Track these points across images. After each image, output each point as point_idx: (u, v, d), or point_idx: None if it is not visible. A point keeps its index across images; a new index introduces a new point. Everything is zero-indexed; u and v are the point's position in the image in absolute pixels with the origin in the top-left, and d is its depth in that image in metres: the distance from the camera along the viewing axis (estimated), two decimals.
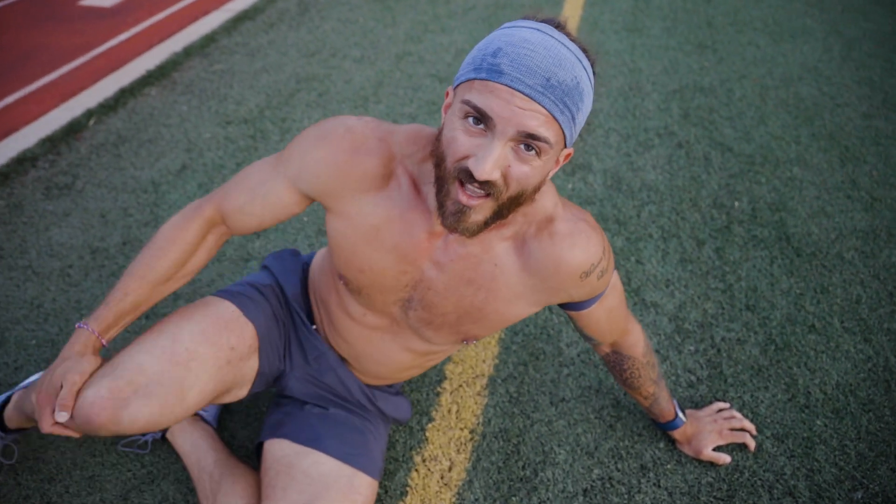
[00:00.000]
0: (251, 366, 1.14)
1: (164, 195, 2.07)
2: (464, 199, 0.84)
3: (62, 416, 0.95)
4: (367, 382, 1.24)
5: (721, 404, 1.42)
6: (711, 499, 1.27)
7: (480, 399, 1.44)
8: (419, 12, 3.47)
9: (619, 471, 1.32)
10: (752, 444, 1.35)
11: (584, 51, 0.83)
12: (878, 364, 1.55)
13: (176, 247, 1.08)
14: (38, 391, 1.00)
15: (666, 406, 1.29)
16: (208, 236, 1.12)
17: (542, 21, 0.83)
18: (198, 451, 1.27)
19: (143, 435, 1.34)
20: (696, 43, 3.15)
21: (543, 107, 0.78)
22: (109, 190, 2.10)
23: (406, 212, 0.95)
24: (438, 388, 1.46)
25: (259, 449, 1.23)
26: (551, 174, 0.89)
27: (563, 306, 1.07)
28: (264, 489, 1.12)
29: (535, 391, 1.47)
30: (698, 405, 1.44)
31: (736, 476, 1.31)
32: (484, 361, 1.53)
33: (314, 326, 1.21)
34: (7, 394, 1.29)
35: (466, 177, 0.82)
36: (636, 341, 1.20)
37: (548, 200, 0.96)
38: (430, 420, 1.40)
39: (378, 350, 1.14)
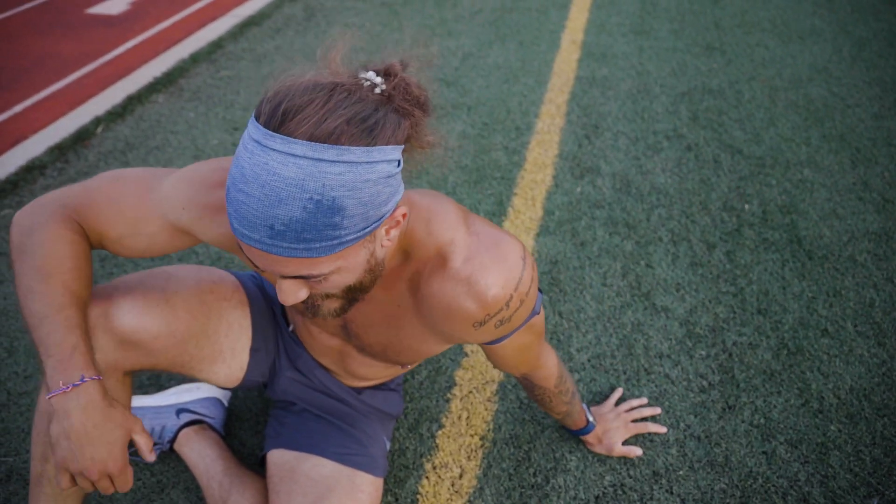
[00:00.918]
0: (241, 323, 1.12)
1: None
2: (299, 312, 0.80)
3: (152, 458, 0.89)
4: (349, 384, 1.23)
5: (618, 393, 1.44)
6: None
7: (491, 405, 1.43)
8: (425, 17, 3.47)
9: (630, 477, 1.30)
10: (661, 429, 1.37)
11: (339, 130, 0.65)
12: (893, 368, 1.52)
13: (72, 246, 0.87)
14: (95, 469, 0.83)
15: (578, 417, 1.28)
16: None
17: (268, 119, 0.65)
18: (206, 459, 1.27)
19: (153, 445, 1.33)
20: (704, 45, 3.14)
21: (281, 256, 0.68)
22: None
23: None
24: (448, 395, 1.46)
25: (263, 462, 1.23)
26: (386, 246, 0.76)
27: None
28: (270, 495, 1.13)
29: None
30: (710, 410, 1.43)
31: (749, 482, 1.29)
32: (494, 367, 1.52)
33: (290, 328, 1.21)
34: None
35: None
36: (548, 375, 1.15)
37: (443, 233, 0.84)
38: (440, 427, 1.39)
39: (342, 361, 1.15)
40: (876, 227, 1.96)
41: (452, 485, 1.29)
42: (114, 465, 0.83)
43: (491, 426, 1.39)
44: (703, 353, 1.57)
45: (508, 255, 0.86)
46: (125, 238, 0.91)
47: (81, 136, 2.43)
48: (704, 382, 1.49)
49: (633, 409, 1.40)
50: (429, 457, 1.33)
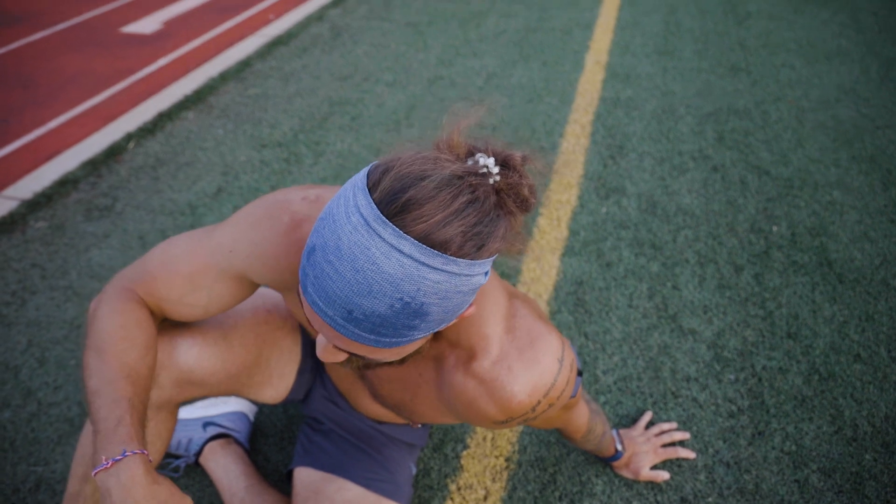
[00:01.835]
0: (292, 349, 1.13)
1: (200, 217, 2.11)
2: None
3: None
4: (369, 418, 1.21)
5: (647, 416, 1.42)
6: None
7: (517, 426, 1.42)
8: (450, 37, 3.51)
9: (658, 503, 1.28)
10: (689, 454, 1.34)
11: (454, 241, 0.60)
12: None
13: (125, 316, 0.87)
14: None
15: (606, 449, 1.26)
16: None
17: (382, 198, 0.60)
18: (230, 475, 1.28)
19: (176, 459, 1.34)
20: (729, 65, 3.13)
21: (347, 337, 0.64)
22: (148, 212, 2.14)
23: None
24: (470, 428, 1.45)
25: (290, 476, 1.23)
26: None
27: None
28: None
29: None
30: (739, 436, 1.40)
31: None
32: None
33: None
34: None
35: None
36: (576, 430, 1.15)
37: (480, 325, 0.80)
38: (465, 447, 1.38)
39: (356, 395, 1.15)
40: None
41: None
42: None
43: (516, 448, 1.38)
44: (732, 377, 1.54)
45: (542, 359, 0.81)
46: (186, 296, 0.89)
47: (113, 152, 2.48)
48: (733, 407, 1.47)
49: (662, 432, 1.38)
50: (453, 477, 1.33)
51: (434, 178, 0.61)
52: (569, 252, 1.93)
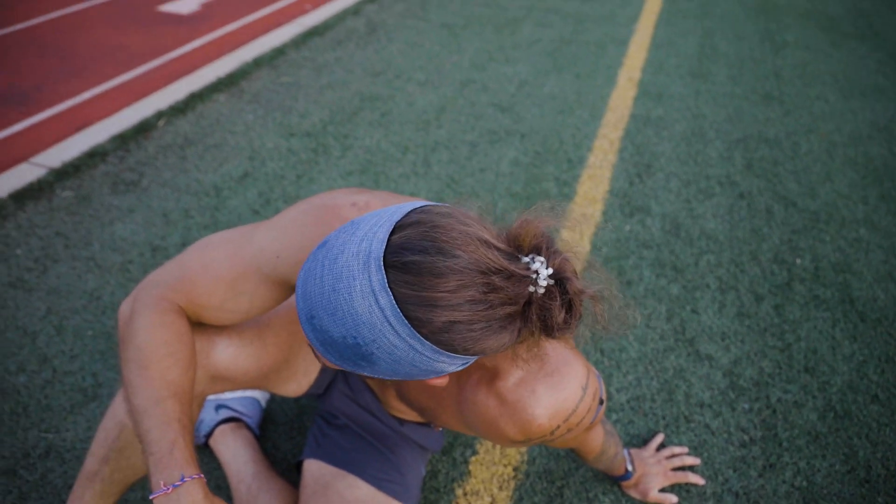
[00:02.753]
0: None
1: (224, 200, 2.12)
2: None
3: None
4: (392, 414, 1.22)
5: (659, 438, 1.41)
6: None
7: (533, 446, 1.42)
8: (485, 41, 3.51)
9: None
10: (699, 480, 1.33)
11: (432, 327, 0.59)
12: None
13: (167, 329, 0.86)
14: None
15: (616, 468, 1.26)
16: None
17: (404, 248, 0.60)
18: (238, 460, 1.28)
19: None
20: (763, 93, 3.11)
21: (312, 342, 0.65)
22: (173, 190, 2.15)
23: None
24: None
25: (299, 466, 1.23)
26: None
27: None
28: None
29: None
30: (750, 467, 1.39)
31: None
32: None
33: None
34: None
35: None
36: (589, 450, 1.15)
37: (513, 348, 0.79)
38: (474, 453, 1.38)
39: (383, 391, 1.15)
40: None
41: None
42: None
43: (525, 458, 1.37)
44: (746, 406, 1.53)
45: (566, 385, 0.80)
46: (227, 302, 0.88)
47: (143, 128, 2.50)
48: (746, 437, 1.46)
49: (674, 455, 1.37)
50: (460, 482, 1.32)
51: (457, 259, 0.58)
52: (590, 268, 1.92)
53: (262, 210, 2.08)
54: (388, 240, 0.60)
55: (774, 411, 1.52)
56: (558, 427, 0.82)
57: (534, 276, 0.62)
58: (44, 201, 2.08)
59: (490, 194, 2.22)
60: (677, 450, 1.39)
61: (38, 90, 2.77)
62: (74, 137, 2.44)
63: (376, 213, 0.64)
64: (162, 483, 0.78)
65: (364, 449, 1.19)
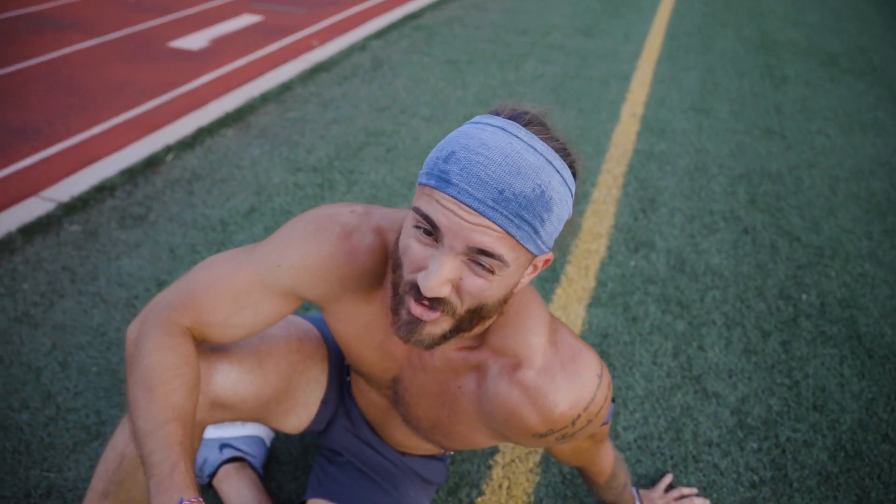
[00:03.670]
0: (318, 379, 1.13)
1: (231, 235, 2.13)
2: (417, 311, 0.75)
3: None
4: (394, 448, 1.21)
5: (668, 478, 1.39)
6: None
7: (533, 476, 1.40)
8: (489, 76, 3.56)
9: None
10: None
11: (561, 150, 0.74)
12: None
13: (174, 353, 0.87)
14: None
15: (626, 502, 1.26)
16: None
17: (512, 116, 0.74)
18: (242, 500, 1.27)
19: None
20: (764, 128, 3.14)
21: (495, 222, 0.69)
22: (180, 225, 2.17)
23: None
24: (490, 461, 1.43)
25: None
26: (522, 283, 0.79)
27: None
28: None
29: None
30: None
31: None
32: None
33: (348, 378, 1.21)
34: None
35: (415, 292, 0.75)
36: (601, 472, 1.14)
37: (526, 334, 0.83)
38: (480, 493, 1.36)
39: (384, 424, 1.14)
40: None
41: None
42: None
43: (532, 499, 1.36)
44: (755, 445, 1.51)
45: (584, 373, 0.83)
46: (231, 317, 0.89)
47: (152, 162, 2.52)
48: (755, 477, 1.44)
49: (683, 497, 1.36)
50: None
51: (537, 113, 0.76)
52: (595, 303, 1.92)
53: None
54: (497, 116, 0.75)
55: (784, 451, 1.50)
56: (578, 416, 0.84)
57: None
58: (52, 235, 2.09)
59: None
60: (686, 491, 1.37)
61: (49, 125, 2.81)
62: (83, 172, 2.46)
63: (452, 133, 0.76)
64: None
65: (366, 486, 1.18)
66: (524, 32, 4.41)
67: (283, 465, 1.40)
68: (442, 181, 0.70)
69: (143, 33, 4.00)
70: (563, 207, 0.73)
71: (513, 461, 1.43)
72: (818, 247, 2.25)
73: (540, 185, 0.70)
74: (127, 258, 2.00)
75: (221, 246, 2.07)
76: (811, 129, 3.15)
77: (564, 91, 3.42)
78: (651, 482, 1.41)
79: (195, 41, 3.91)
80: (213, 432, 1.36)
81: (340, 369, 1.18)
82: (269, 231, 2.16)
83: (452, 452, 1.19)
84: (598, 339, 1.78)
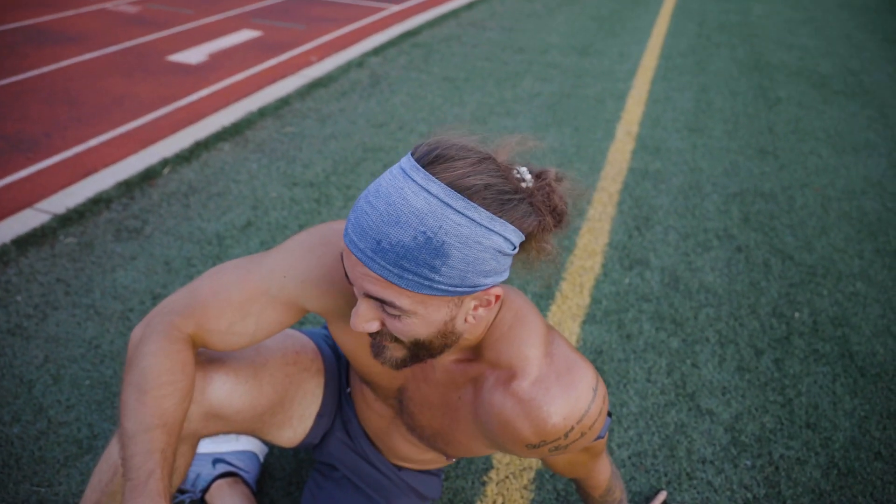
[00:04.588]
0: (314, 392, 1.13)
1: (227, 249, 2.13)
2: (376, 337, 0.79)
3: None
4: (391, 462, 1.21)
5: (662, 496, 1.39)
6: None
7: (527, 493, 1.40)
8: (486, 94, 3.59)
9: None
10: None
11: (474, 186, 0.68)
12: None
13: (171, 359, 0.88)
14: None
15: None
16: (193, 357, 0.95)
17: (422, 154, 0.70)
18: None
19: (182, 494, 1.33)
20: (758, 148, 3.17)
21: (374, 272, 0.70)
22: (176, 238, 2.17)
23: None
24: (484, 477, 1.42)
25: None
26: (470, 319, 0.77)
27: None
28: None
29: None
30: None
31: None
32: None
33: (348, 390, 1.21)
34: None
35: None
36: (597, 485, 1.15)
37: (520, 346, 0.83)
38: None
39: (387, 435, 1.14)
40: None
41: None
42: None
43: None
44: (749, 462, 1.51)
45: (578, 385, 0.83)
46: (234, 325, 0.90)
47: (148, 175, 2.53)
48: (749, 495, 1.44)
49: None
50: None
51: (469, 148, 0.72)
52: (590, 320, 1.93)
53: None
54: (411, 156, 0.71)
55: (777, 468, 1.50)
56: (572, 429, 0.83)
57: (518, 174, 0.73)
58: (46, 247, 2.09)
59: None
60: None
61: (47, 137, 2.82)
62: (80, 184, 2.47)
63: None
64: None
65: (361, 501, 1.18)
66: (521, 51, 4.46)
67: (277, 481, 1.39)
68: (346, 229, 0.73)
69: (142, 47, 4.02)
70: (471, 249, 0.69)
71: (507, 477, 1.43)
72: (811, 265, 2.27)
73: (424, 232, 0.67)
74: (122, 271, 2.00)
75: (217, 259, 2.07)
76: (804, 150, 3.19)
77: (561, 109, 3.46)
78: (645, 499, 1.41)
79: (194, 55, 3.93)
80: (206, 447, 1.36)
81: (338, 382, 1.18)
82: (265, 245, 2.16)
83: (454, 461, 1.19)
84: (593, 357, 1.79)
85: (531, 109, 3.42)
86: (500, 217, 0.70)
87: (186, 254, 2.09)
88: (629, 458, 1.50)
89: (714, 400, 1.68)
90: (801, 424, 1.62)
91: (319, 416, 1.15)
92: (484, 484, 1.41)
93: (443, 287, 0.70)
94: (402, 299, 0.71)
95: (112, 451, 1.01)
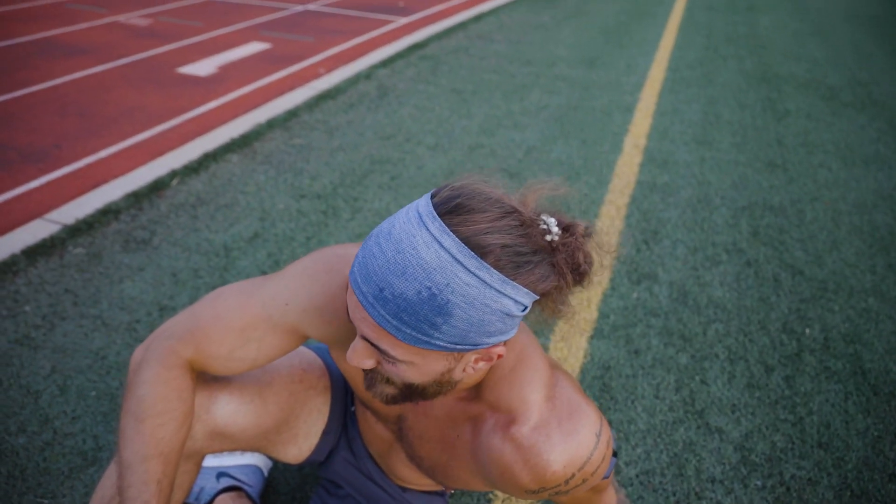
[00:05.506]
0: (321, 409, 1.12)
1: (234, 261, 2.13)
2: (370, 373, 0.79)
3: None
4: (395, 482, 1.19)
5: None
6: None
7: (546, 498, 1.38)
8: (493, 107, 3.60)
9: None
10: None
11: (489, 246, 0.65)
12: None
13: (168, 386, 0.88)
14: None
15: None
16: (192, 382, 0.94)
17: (442, 200, 0.67)
18: None
19: None
20: (767, 161, 3.15)
21: (373, 319, 0.68)
22: (183, 250, 2.17)
23: None
24: (490, 495, 1.41)
25: None
26: (468, 372, 0.76)
27: None
28: None
29: None
30: None
31: None
32: None
33: (353, 408, 1.20)
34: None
35: None
36: None
37: (521, 389, 0.81)
38: None
39: (388, 457, 1.13)
40: None
41: None
42: None
43: None
44: (759, 483, 1.49)
45: (581, 431, 0.80)
46: (235, 351, 0.89)
47: (157, 187, 2.54)
48: None
49: None
50: None
51: (492, 200, 0.68)
52: (598, 335, 1.91)
53: (271, 271, 2.09)
54: (431, 201, 0.68)
55: (788, 489, 1.48)
56: (573, 476, 0.81)
57: (544, 226, 0.70)
58: (55, 258, 2.10)
59: None
60: None
61: (57, 148, 2.84)
62: (89, 195, 2.48)
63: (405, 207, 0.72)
64: None
65: None
66: (528, 63, 4.47)
67: (281, 496, 1.38)
68: (353, 266, 0.71)
69: (152, 59, 4.05)
70: (476, 310, 0.66)
71: (510, 497, 1.41)
72: (821, 280, 2.25)
73: (430, 288, 0.64)
74: (130, 282, 2.00)
75: (224, 271, 2.08)
76: (813, 163, 3.17)
77: (568, 122, 3.45)
78: None
79: (203, 67, 3.96)
80: (210, 461, 1.35)
81: (344, 400, 1.17)
82: (271, 257, 2.16)
83: (452, 492, 1.18)
84: (600, 372, 1.77)
85: (538, 122, 3.42)
86: (514, 280, 0.66)
87: (193, 265, 2.10)
88: (637, 476, 1.48)
89: (724, 418, 1.66)
90: (812, 444, 1.60)
91: (325, 433, 1.14)
92: (490, 501, 1.39)
93: (441, 344, 0.68)
94: (396, 350, 0.70)
95: (115, 469, 1.01)
